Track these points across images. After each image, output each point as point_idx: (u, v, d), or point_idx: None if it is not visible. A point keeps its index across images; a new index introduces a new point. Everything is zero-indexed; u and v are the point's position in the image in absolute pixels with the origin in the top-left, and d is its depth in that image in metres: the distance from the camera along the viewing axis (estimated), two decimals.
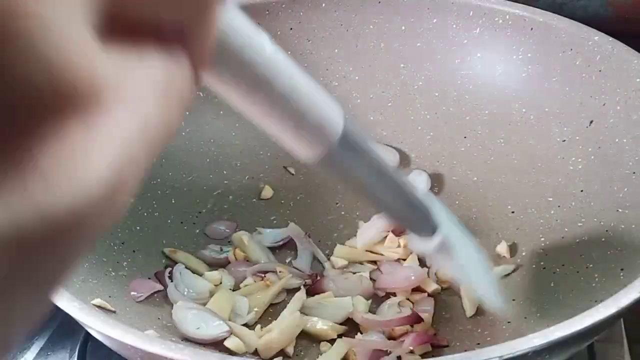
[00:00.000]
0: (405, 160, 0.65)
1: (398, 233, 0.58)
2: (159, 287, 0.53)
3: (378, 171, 0.35)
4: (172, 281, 0.54)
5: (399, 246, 0.57)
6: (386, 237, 0.58)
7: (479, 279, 0.44)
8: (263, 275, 0.55)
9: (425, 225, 0.39)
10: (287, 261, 0.58)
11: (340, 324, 0.52)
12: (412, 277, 0.54)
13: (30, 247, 0.15)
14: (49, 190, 0.15)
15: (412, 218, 0.39)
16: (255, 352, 0.50)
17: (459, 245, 0.41)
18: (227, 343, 0.48)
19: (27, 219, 0.15)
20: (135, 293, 0.52)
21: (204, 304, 0.52)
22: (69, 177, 0.15)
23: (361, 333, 0.51)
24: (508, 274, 0.54)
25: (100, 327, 0.39)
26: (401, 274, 0.55)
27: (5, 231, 0.14)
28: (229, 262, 0.57)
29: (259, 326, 0.51)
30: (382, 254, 0.57)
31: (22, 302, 0.16)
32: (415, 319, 0.51)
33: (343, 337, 0.50)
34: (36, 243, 0.15)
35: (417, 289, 0.54)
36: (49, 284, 0.16)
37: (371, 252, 0.58)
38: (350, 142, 0.31)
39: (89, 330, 0.42)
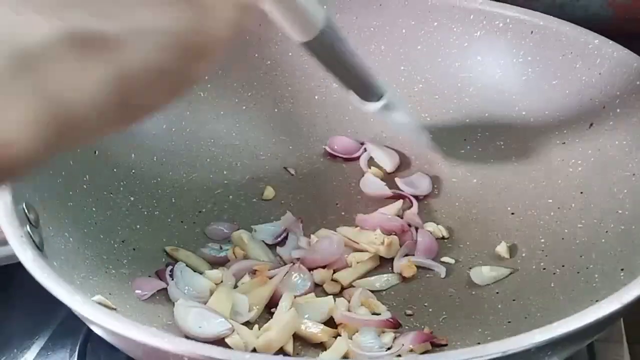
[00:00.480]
0: (405, 162, 0.66)
1: (395, 232, 0.58)
2: (163, 285, 0.53)
3: (349, 51, 0.51)
4: (172, 279, 0.54)
5: (382, 243, 0.57)
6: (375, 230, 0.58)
7: (414, 128, 0.60)
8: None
9: (374, 92, 0.55)
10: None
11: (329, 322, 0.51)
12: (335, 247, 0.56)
13: None
14: None
15: (365, 87, 0.55)
16: (254, 352, 0.49)
17: (401, 105, 0.57)
18: (229, 341, 0.48)
19: None
20: (140, 291, 0.52)
21: (205, 303, 0.52)
22: None
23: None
24: (508, 275, 0.55)
25: (103, 321, 0.38)
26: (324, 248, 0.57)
27: None
28: (229, 261, 0.57)
29: (256, 326, 0.51)
30: (365, 248, 0.57)
31: None
32: (394, 324, 0.51)
33: (342, 337, 0.50)
34: None
35: None
36: None
37: (354, 242, 0.58)
38: (328, 31, 0.48)
39: (91, 326, 0.42)
